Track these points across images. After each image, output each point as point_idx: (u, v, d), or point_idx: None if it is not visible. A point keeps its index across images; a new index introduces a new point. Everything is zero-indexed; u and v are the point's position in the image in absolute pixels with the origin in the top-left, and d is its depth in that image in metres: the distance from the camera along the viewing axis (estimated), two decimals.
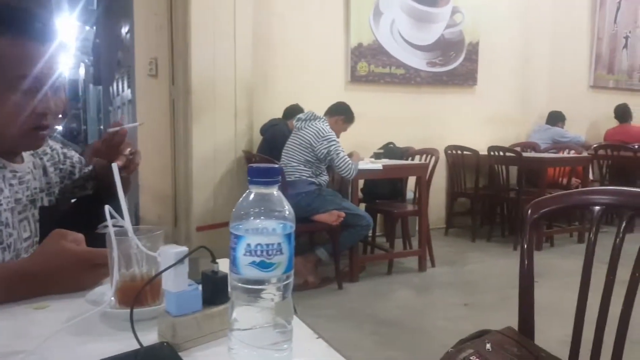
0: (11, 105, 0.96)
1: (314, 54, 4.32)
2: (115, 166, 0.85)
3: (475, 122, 5.20)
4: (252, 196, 0.61)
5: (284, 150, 3.44)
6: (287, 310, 0.61)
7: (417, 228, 3.92)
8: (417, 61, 4.91)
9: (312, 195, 3.29)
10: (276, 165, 0.63)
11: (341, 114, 3.58)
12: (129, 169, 1.12)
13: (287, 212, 0.60)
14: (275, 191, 0.61)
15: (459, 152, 4.70)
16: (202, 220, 3.57)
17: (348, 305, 3.14)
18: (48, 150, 1.22)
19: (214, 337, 0.70)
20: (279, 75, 4.12)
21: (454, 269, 3.87)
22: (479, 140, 4.88)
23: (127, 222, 0.78)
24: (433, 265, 3.84)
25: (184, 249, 0.71)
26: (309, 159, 3.33)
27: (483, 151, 4.57)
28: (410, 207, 3.95)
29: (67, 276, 0.87)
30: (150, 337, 0.67)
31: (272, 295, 0.58)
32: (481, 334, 0.98)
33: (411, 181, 4.11)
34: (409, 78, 4.92)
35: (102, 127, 6.26)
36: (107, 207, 0.76)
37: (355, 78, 4.64)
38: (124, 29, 4.04)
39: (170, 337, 0.66)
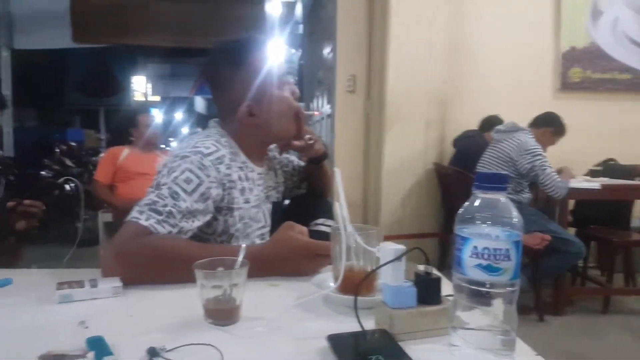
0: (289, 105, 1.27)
1: (516, 61, 4.07)
2: (337, 171, 0.98)
3: None
4: (478, 201, 0.63)
5: (479, 164, 3.33)
6: (512, 317, 0.61)
7: None
8: None
9: None
10: (504, 172, 0.64)
11: (550, 125, 3.29)
12: (307, 151, 1.38)
13: (515, 220, 0.61)
14: (502, 197, 0.62)
15: None
16: (389, 230, 3.67)
17: (549, 340, 2.84)
18: (277, 155, 1.46)
19: (426, 335, 0.74)
20: (476, 85, 4.00)
21: None
22: None
23: (347, 220, 0.88)
24: None
25: (402, 247, 0.77)
26: (509, 173, 3.15)
27: None
28: (636, 237, 3.38)
29: (292, 262, 1.03)
30: (365, 324, 0.75)
31: (499, 300, 0.60)
32: None
33: (638, 205, 3.52)
34: (636, 84, 4.25)
35: None
36: (337, 205, 0.86)
37: (567, 85, 4.21)
38: (326, 50, 4.45)
39: (388, 326, 0.73)
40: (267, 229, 1.32)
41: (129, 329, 0.78)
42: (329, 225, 1.42)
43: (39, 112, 15.61)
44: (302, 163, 1.52)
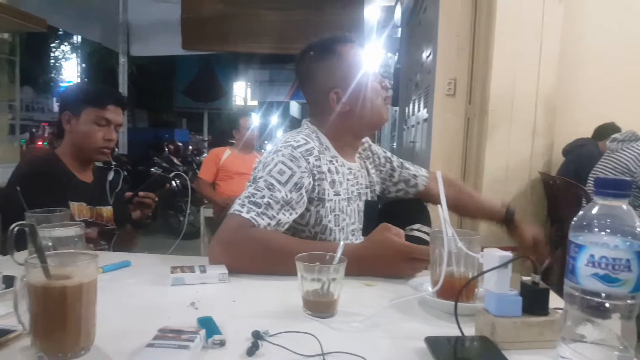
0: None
1: (634, 64, 3.70)
2: (439, 173, 0.97)
3: None
4: (596, 208, 0.60)
5: (592, 174, 3.07)
6: (630, 332, 0.57)
7: None
8: None
9: None
10: (627, 179, 0.60)
11: None
12: None
13: (638, 229, 0.57)
14: (624, 205, 0.59)
15: None
16: (487, 241, 3.51)
17: None
18: (369, 154, 1.49)
19: (530, 346, 0.71)
20: (589, 90, 3.69)
21: None
22: None
23: (449, 225, 0.87)
24: None
25: (507, 254, 0.75)
26: None
27: None
28: None
29: (388, 263, 1.04)
30: (464, 330, 0.73)
31: (616, 313, 0.56)
32: None
33: None
34: None
35: (393, 144, 6.88)
36: (439, 208, 0.86)
37: None
38: (425, 53, 4.38)
39: (489, 333, 0.71)
40: (359, 225, 1.35)
41: (233, 313, 0.84)
42: (424, 232, 1.41)
43: (150, 114, 17.13)
44: (404, 163, 1.53)
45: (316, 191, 1.22)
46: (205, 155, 7.36)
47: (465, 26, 3.84)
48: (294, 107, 16.28)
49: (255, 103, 15.15)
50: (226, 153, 3.68)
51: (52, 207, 1.14)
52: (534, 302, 0.73)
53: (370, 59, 1.39)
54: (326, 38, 1.33)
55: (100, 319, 0.70)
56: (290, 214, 1.15)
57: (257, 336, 0.71)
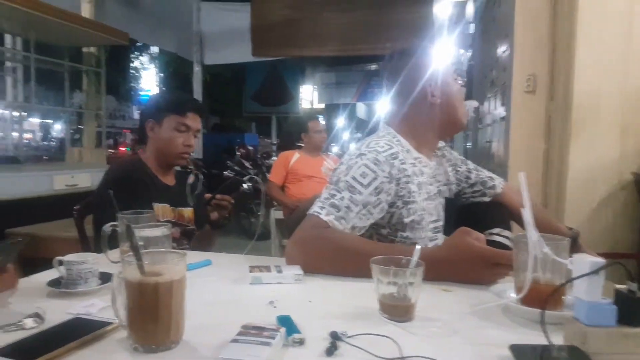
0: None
1: None
2: (522, 175, 0.94)
3: None
4: None
5: None
6: None
7: None
8: None
9: None
10: None
11: None
12: None
13: None
14: None
15: None
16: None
17: None
18: (446, 154, 1.50)
19: (626, 359, 0.67)
20: None
21: None
22: None
23: (533, 230, 0.84)
24: None
25: (600, 260, 0.71)
26: None
27: None
28: None
29: (468, 269, 1.02)
30: (551, 339, 0.70)
31: None
32: None
33: None
34: None
35: (467, 144, 6.68)
36: (523, 212, 0.83)
37: None
38: (500, 49, 4.22)
39: (580, 343, 0.68)
40: (441, 222, 1.36)
41: (310, 313, 0.87)
42: (504, 236, 1.37)
43: (221, 119, 17.85)
44: (487, 175, 1.51)
45: (401, 194, 1.24)
46: (274, 158, 7.56)
47: (544, 19, 3.65)
48: (361, 109, 16.25)
49: (321, 106, 15.32)
50: (295, 156, 3.75)
51: (139, 209, 1.23)
52: (630, 312, 0.68)
53: (444, 57, 1.40)
54: (419, 40, 1.40)
55: (187, 314, 0.75)
56: (368, 219, 1.17)
57: (335, 337, 0.73)
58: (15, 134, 4.90)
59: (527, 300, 0.81)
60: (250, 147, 7.93)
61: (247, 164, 6.56)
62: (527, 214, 0.85)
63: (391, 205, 1.23)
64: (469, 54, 6.73)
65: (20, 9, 3.13)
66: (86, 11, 4.19)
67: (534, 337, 0.73)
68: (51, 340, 0.71)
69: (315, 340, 0.73)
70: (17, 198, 3.03)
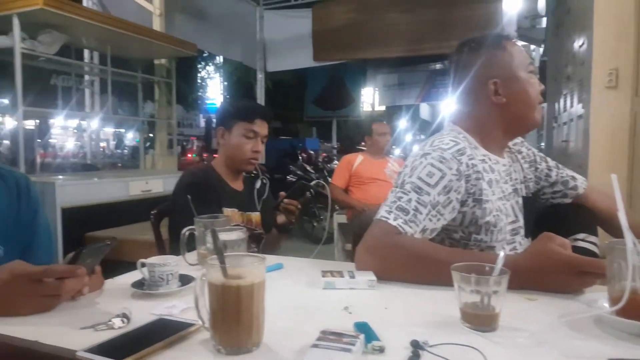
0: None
1: None
2: (614, 177, 0.87)
3: None
4: None
5: None
6: None
7: None
8: None
9: None
10: None
11: None
12: None
13: None
14: None
15: None
16: None
17: None
18: (523, 150, 1.42)
19: None
20: None
21: None
22: None
23: (630, 234, 0.78)
24: None
25: None
26: None
27: None
28: None
29: (554, 277, 0.96)
30: None
31: None
32: None
33: None
34: None
35: (541, 144, 6.38)
36: (619, 215, 0.78)
37: None
38: (577, 43, 3.99)
39: None
40: (519, 224, 1.29)
41: (387, 320, 0.85)
42: (591, 242, 1.29)
43: (283, 125, 18.20)
44: (568, 175, 1.43)
45: (472, 191, 1.18)
46: (335, 162, 7.59)
47: (627, 8, 3.41)
48: (425, 110, 15.97)
49: (382, 108, 15.22)
50: (358, 159, 3.74)
51: (211, 213, 1.27)
52: None
53: (512, 53, 1.34)
54: (488, 33, 1.34)
55: (265, 318, 0.76)
56: (438, 220, 1.13)
57: (417, 345, 0.71)
58: (92, 143, 5.26)
59: (624, 312, 0.75)
60: (312, 152, 8.01)
61: (309, 168, 6.64)
62: (623, 218, 0.79)
63: (462, 204, 1.18)
64: (541, 49, 6.42)
65: (99, 26, 3.35)
66: (157, 25, 4.42)
67: (634, 351, 0.69)
68: (138, 339, 0.75)
69: (395, 349, 0.72)
70: (96, 203, 3.24)
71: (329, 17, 5.54)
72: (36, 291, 0.89)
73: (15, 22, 2.93)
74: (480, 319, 0.79)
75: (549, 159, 1.44)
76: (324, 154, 10.49)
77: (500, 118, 1.27)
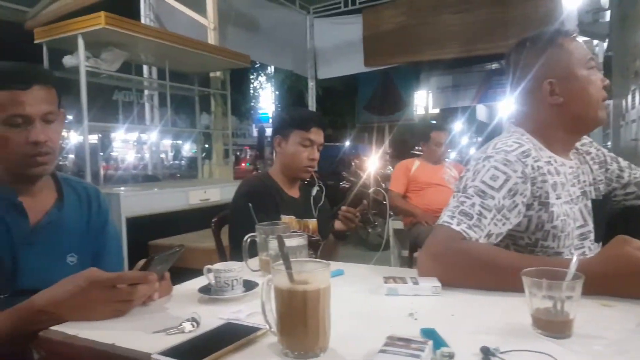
0: None
1: None
2: None
3: None
4: None
5: None
6: None
7: None
8: None
9: None
10: None
11: None
12: None
13: None
14: None
15: None
16: None
17: None
18: (592, 150, 1.37)
19: None
20: None
21: None
22: None
23: None
24: None
25: None
26: None
27: None
28: None
29: (630, 282, 0.92)
30: None
31: None
32: None
33: None
34: None
35: (607, 143, 6.05)
36: None
37: None
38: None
39: None
40: (588, 228, 1.24)
41: (455, 326, 0.84)
42: None
43: (334, 132, 18.29)
44: (639, 177, 1.36)
45: (537, 194, 1.15)
46: (389, 168, 7.53)
47: None
48: (481, 111, 15.54)
49: (436, 111, 14.96)
50: (415, 164, 3.70)
51: (270, 220, 1.30)
52: None
53: (571, 49, 1.29)
54: (545, 30, 1.28)
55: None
56: (504, 224, 1.11)
57: (487, 352, 0.70)
58: (153, 155, 5.51)
59: None
60: (364, 157, 8.00)
61: (362, 175, 6.63)
62: None
63: (528, 207, 1.15)
64: (605, 44, 6.11)
65: (157, 42, 3.52)
66: (212, 38, 4.58)
67: None
68: (209, 343, 0.78)
69: (465, 355, 0.71)
70: (157, 213, 3.38)
71: (379, 21, 5.53)
72: (111, 297, 0.94)
73: (80, 42, 3.12)
74: (554, 325, 0.76)
75: (620, 159, 1.37)
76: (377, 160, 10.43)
77: (560, 118, 1.23)
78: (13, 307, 0.97)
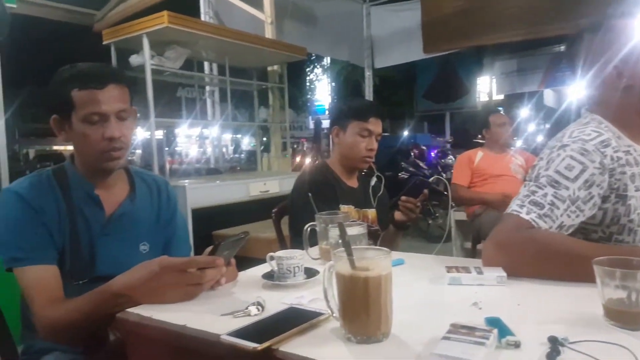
0: None
1: None
2: None
3: None
4: None
5: None
6: None
7: None
8: None
9: None
10: None
11: None
12: None
13: None
14: None
15: None
16: None
17: None
18: None
19: None
20: None
21: None
22: None
23: None
24: None
25: None
26: None
27: None
28: None
29: None
30: None
31: None
32: None
33: None
34: None
35: None
36: None
37: None
38: None
39: None
40: None
41: (521, 316, 0.83)
42: None
43: (392, 121, 18.10)
44: None
45: (615, 186, 1.10)
46: (450, 157, 7.36)
47: None
48: (549, 96, 14.78)
49: (500, 97, 14.40)
50: (479, 155, 3.58)
51: (329, 210, 1.32)
52: None
53: None
54: (613, 9, 1.21)
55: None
56: (577, 216, 1.07)
57: (556, 342, 0.68)
58: (215, 149, 5.70)
59: None
60: (423, 147, 7.87)
61: (422, 165, 6.53)
62: None
63: (604, 200, 1.10)
64: None
65: (218, 39, 3.63)
66: (269, 32, 4.66)
67: None
68: (274, 326, 0.82)
69: (531, 344, 0.70)
70: (220, 204, 3.51)
71: (438, 6, 5.39)
72: (182, 280, 1.00)
73: (145, 42, 3.27)
74: (628, 316, 0.74)
75: None
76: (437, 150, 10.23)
77: (631, 102, 1.17)
78: (92, 291, 1.06)
